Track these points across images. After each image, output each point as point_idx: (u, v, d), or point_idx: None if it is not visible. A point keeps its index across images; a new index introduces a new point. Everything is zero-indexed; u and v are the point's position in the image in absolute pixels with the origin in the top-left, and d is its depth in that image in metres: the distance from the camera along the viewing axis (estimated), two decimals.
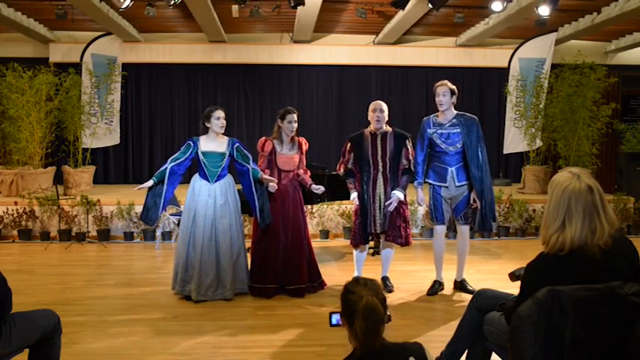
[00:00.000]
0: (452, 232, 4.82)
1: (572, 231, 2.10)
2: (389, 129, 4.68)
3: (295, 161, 4.71)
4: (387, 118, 4.65)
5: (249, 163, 4.58)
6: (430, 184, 4.64)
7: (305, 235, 4.74)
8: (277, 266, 4.59)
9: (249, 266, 4.69)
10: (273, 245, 4.58)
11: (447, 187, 4.58)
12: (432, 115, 4.70)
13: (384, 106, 4.64)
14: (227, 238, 4.49)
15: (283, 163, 4.66)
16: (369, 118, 4.66)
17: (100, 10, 7.65)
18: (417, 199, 4.72)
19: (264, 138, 4.75)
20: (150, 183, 4.51)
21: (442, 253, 4.77)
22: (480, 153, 4.56)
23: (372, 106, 4.66)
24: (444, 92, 4.53)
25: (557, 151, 8.82)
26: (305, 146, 4.80)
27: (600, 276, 2.06)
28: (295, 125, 4.64)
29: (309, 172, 4.86)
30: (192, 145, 4.56)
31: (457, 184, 4.57)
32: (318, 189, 4.73)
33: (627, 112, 10.65)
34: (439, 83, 4.59)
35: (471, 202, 4.59)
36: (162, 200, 4.52)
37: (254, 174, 4.56)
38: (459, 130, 4.55)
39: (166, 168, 4.52)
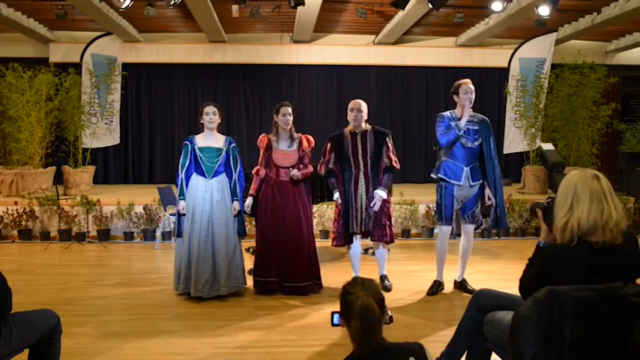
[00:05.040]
0: (457, 235, 4.80)
1: (579, 212, 2.11)
2: (368, 127, 4.67)
3: (293, 158, 4.67)
4: (365, 117, 4.64)
5: (235, 170, 4.62)
6: (443, 180, 4.57)
7: (307, 232, 4.68)
8: (273, 260, 4.60)
9: (245, 265, 4.70)
10: (272, 240, 4.59)
11: (461, 185, 4.55)
12: (449, 111, 4.65)
13: (363, 106, 4.64)
14: (223, 235, 4.49)
15: (280, 159, 4.65)
16: (348, 117, 4.66)
17: (100, 10, 7.65)
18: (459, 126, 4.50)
19: (263, 134, 4.79)
20: (183, 203, 4.55)
21: (445, 253, 4.76)
22: (494, 152, 4.62)
23: (350, 105, 4.66)
24: (472, 90, 4.53)
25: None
26: (306, 143, 4.73)
27: (604, 276, 2.07)
28: (289, 118, 4.63)
29: (310, 168, 4.72)
30: (188, 144, 4.59)
31: (472, 183, 4.56)
32: (295, 175, 4.58)
33: (627, 112, 10.66)
34: (463, 82, 4.57)
35: (486, 199, 4.59)
36: None
37: (234, 187, 4.61)
38: (477, 128, 4.56)
39: (182, 180, 4.57)
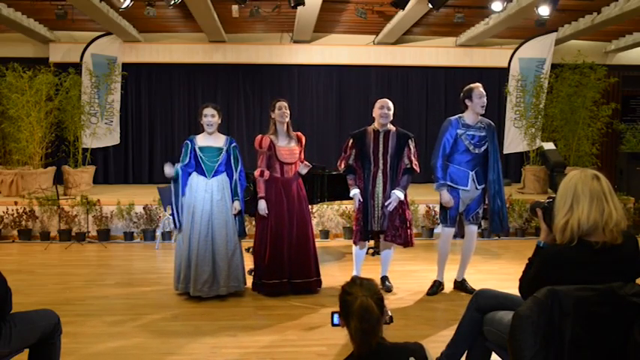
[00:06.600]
0: (459, 236, 4.80)
1: (579, 212, 2.11)
2: (392, 128, 4.68)
3: (296, 153, 4.70)
4: (391, 117, 4.65)
5: (236, 170, 4.62)
6: (450, 186, 4.54)
7: (311, 229, 4.75)
8: (285, 260, 4.58)
9: (245, 265, 4.69)
10: (279, 239, 4.57)
11: (467, 190, 4.54)
12: (457, 116, 4.61)
13: (391, 105, 4.66)
14: (223, 235, 4.48)
15: (285, 156, 4.65)
16: (375, 115, 4.66)
17: (100, 10, 7.65)
18: (443, 201, 4.54)
19: (260, 135, 4.75)
20: (174, 170, 4.47)
21: (447, 254, 4.76)
22: (498, 158, 4.61)
23: (379, 104, 4.66)
24: (484, 94, 4.50)
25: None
26: (303, 140, 4.80)
27: (604, 276, 2.07)
28: (286, 112, 4.63)
29: (306, 163, 4.80)
30: (189, 143, 4.59)
31: (478, 186, 4.56)
32: (305, 167, 4.69)
33: (627, 112, 10.66)
34: (475, 86, 4.53)
35: (485, 203, 4.61)
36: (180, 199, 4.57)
37: (235, 186, 4.60)
38: (484, 134, 4.55)
39: (178, 167, 4.54)
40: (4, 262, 5.89)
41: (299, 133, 4.81)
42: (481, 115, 4.60)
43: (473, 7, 8.34)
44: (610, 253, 2.11)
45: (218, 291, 4.47)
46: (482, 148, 4.55)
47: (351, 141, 4.72)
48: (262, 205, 4.58)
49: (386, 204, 4.57)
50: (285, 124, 4.67)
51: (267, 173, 4.64)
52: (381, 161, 4.62)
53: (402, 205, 4.63)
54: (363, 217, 4.64)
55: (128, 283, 5.14)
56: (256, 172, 4.68)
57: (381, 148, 4.62)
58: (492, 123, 4.69)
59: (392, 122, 4.71)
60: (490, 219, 4.63)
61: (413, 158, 4.64)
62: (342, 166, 4.75)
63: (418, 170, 4.69)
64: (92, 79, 9.08)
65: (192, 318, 4.13)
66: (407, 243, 4.63)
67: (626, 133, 9.44)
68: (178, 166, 4.53)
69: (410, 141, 4.66)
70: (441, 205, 4.66)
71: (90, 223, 7.29)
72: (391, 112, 4.63)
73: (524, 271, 2.34)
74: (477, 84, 4.59)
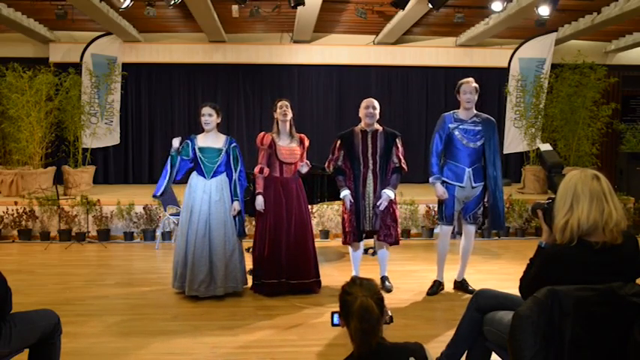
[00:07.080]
0: (458, 234, 4.81)
1: (579, 212, 2.11)
2: (379, 127, 4.69)
3: (297, 153, 4.69)
4: (377, 117, 4.65)
5: (236, 170, 4.61)
6: (444, 182, 4.56)
7: (310, 228, 4.73)
8: (282, 260, 4.57)
9: (246, 266, 4.69)
10: (277, 239, 4.56)
11: (463, 187, 4.54)
12: (451, 112, 4.64)
13: (376, 104, 4.67)
14: (221, 235, 4.48)
15: (285, 155, 4.64)
16: (361, 115, 4.68)
17: (100, 10, 7.65)
18: (437, 194, 4.57)
19: (262, 132, 4.76)
20: (174, 153, 4.57)
21: (446, 253, 4.76)
22: (497, 154, 4.60)
23: (364, 103, 4.68)
24: (472, 90, 4.51)
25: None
26: (306, 142, 4.79)
27: (604, 276, 2.07)
28: (287, 110, 4.63)
29: (307, 162, 4.79)
30: (189, 142, 4.60)
31: (474, 184, 4.55)
32: (305, 166, 4.69)
33: (627, 112, 10.65)
34: (465, 81, 4.55)
35: (485, 200, 4.60)
36: (173, 175, 4.63)
37: (234, 187, 4.59)
38: (480, 128, 4.54)
39: (176, 156, 4.60)
40: (4, 262, 5.89)
41: (303, 135, 4.80)
42: (479, 112, 4.62)
43: (473, 7, 8.34)
44: (610, 253, 2.11)
45: (215, 291, 4.47)
46: (479, 143, 4.54)
47: (338, 142, 4.72)
48: (259, 200, 4.59)
49: (378, 204, 4.57)
50: (288, 123, 4.67)
51: (266, 170, 4.65)
52: (370, 161, 4.62)
53: (392, 204, 4.65)
54: (355, 217, 4.64)
55: (128, 283, 5.14)
56: (256, 169, 4.68)
57: (369, 149, 4.62)
58: (492, 118, 4.67)
59: (379, 122, 4.71)
60: (489, 216, 4.64)
61: (401, 157, 4.66)
62: (330, 167, 4.75)
63: (406, 169, 4.71)
64: (92, 79, 9.08)
65: (192, 318, 4.13)
66: (396, 242, 4.67)
67: (626, 133, 9.44)
68: (178, 157, 4.57)
69: (397, 140, 4.68)
70: (438, 203, 4.67)
71: (90, 223, 7.29)
72: (377, 112, 4.64)
73: (525, 271, 2.34)
74: (469, 79, 4.59)
